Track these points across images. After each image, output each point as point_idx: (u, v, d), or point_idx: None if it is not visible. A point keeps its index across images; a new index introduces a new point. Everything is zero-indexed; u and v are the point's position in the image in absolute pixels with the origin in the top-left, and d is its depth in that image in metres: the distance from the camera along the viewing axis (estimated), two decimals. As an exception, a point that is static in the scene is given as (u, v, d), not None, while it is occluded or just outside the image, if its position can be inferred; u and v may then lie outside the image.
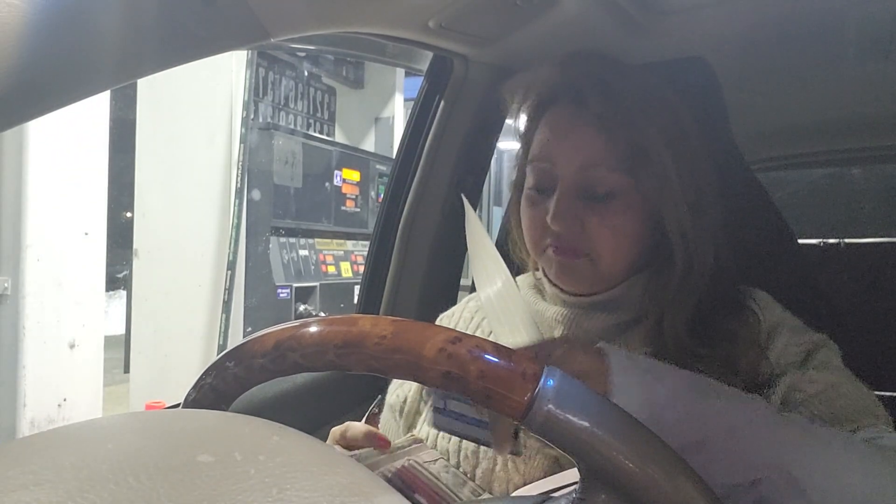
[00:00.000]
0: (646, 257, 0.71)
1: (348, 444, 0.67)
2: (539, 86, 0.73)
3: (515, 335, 0.75)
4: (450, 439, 0.72)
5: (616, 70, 0.70)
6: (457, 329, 0.83)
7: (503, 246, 0.87)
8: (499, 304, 0.79)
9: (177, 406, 0.52)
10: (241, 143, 3.17)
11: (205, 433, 0.31)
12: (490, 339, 0.79)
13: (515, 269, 0.84)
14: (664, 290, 0.68)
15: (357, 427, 0.68)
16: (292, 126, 4.03)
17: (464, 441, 0.71)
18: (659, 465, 0.35)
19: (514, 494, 0.66)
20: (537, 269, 0.79)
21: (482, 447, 0.69)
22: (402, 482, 0.64)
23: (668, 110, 0.69)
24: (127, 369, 3.56)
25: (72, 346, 2.53)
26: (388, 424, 0.85)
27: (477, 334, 0.81)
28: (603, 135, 0.67)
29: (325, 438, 0.75)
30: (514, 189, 0.78)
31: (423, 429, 0.76)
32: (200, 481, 0.26)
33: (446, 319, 0.88)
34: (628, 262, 0.70)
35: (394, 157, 1.25)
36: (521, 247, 0.79)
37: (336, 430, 0.69)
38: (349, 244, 3.93)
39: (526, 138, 0.75)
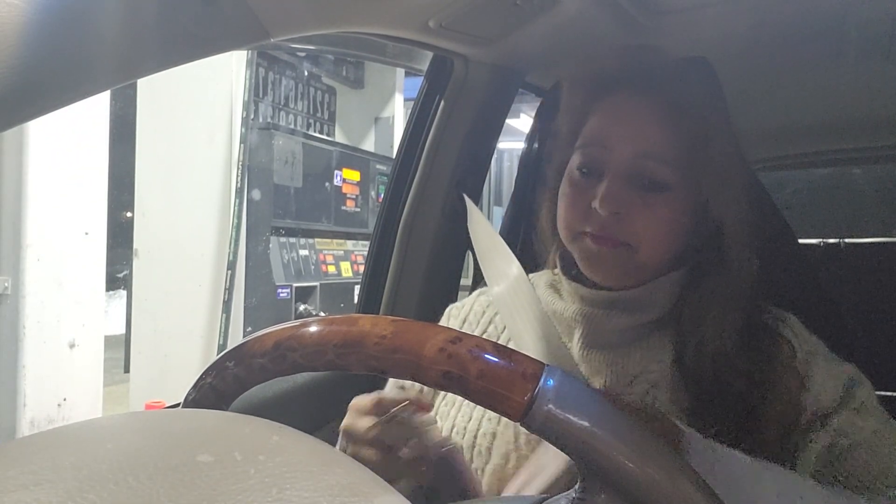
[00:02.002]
0: (681, 256, 0.70)
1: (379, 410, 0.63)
2: (602, 70, 0.72)
3: (530, 332, 0.74)
4: (464, 435, 0.72)
5: (678, 63, 0.71)
6: (467, 321, 0.83)
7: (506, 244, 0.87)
8: (512, 301, 0.78)
9: (177, 406, 0.52)
10: (241, 142, 3.17)
11: (204, 433, 0.31)
12: (504, 336, 0.79)
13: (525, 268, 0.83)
14: (709, 292, 0.67)
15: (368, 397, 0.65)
16: (292, 126, 4.04)
17: (478, 437, 0.71)
18: (659, 465, 0.35)
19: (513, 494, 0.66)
20: (555, 267, 0.78)
21: (495, 444, 0.70)
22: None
23: (725, 107, 0.70)
24: (127, 369, 3.57)
25: (72, 346, 2.53)
26: None
27: (490, 329, 0.80)
28: (666, 126, 0.66)
29: (325, 438, 0.74)
30: (551, 175, 0.76)
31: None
32: (200, 481, 0.26)
33: (455, 311, 0.86)
34: (666, 258, 0.69)
35: (394, 157, 1.25)
36: (548, 236, 0.78)
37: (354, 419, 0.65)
38: (349, 244, 3.93)
39: (574, 123, 0.73)
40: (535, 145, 1.15)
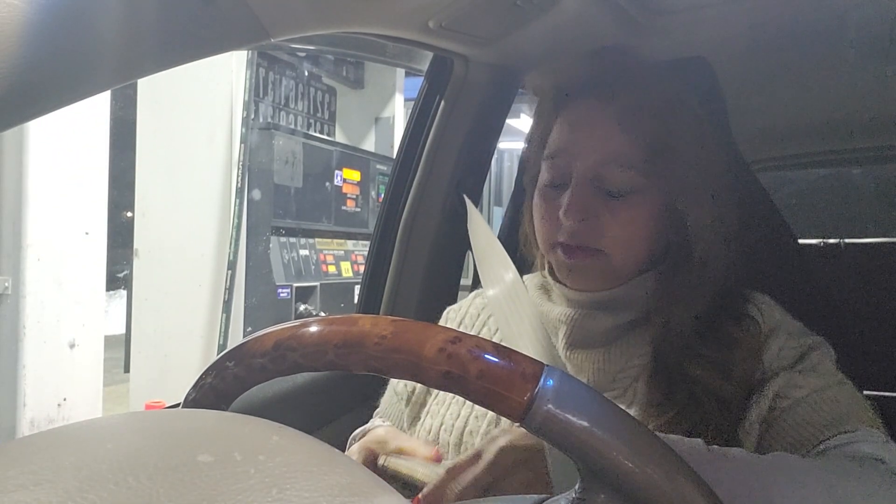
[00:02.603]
0: (657, 255, 0.71)
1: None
2: (564, 77, 0.73)
3: (524, 336, 0.75)
4: (451, 432, 0.73)
5: (642, 66, 0.71)
6: (463, 324, 0.83)
7: (506, 245, 0.87)
8: (507, 305, 0.79)
9: (177, 406, 0.52)
10: (241, 142, 3.17)
11: (204, 433, 0.31)
12: (496, 336, 0.79)
13: (521, 269, 0.84)
14: (676, 289, 0.68)
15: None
16: (292, 126, 4.03)
17: (464, 436, 0.72)
18: (658, 465, 0.35)
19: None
20: (545, 268, 0.79)
21: (479, 443, 0.70)
22: None
23: (690, 108, 0.69)
24: (127, 369, 3.57)
25: (72, 346, 2.53)
26: (392, 409, 0.85)
27: (484, 331, 0.81)
28: (624, 131, 0.66)
29: (325, 438, 0.74)
30: (527, 184, 0.78)
31: (427, 421, 0.77)
32: (200, 481, 0.26)
33: (453, 313, 0.88)
34: (639, 259, 0.70)
35: (394, 157, 1.25)
36: (532, 243, 0.79)
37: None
38: (349, 244, 3.93)
39: (542, 132, 0.74)
40: (535, 145, 1.15)
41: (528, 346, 0.74)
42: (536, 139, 0.75)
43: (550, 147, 0.71)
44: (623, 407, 0.66)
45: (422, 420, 0.78)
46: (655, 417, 0.63)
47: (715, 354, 0.65)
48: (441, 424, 0.74)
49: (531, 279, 0.82)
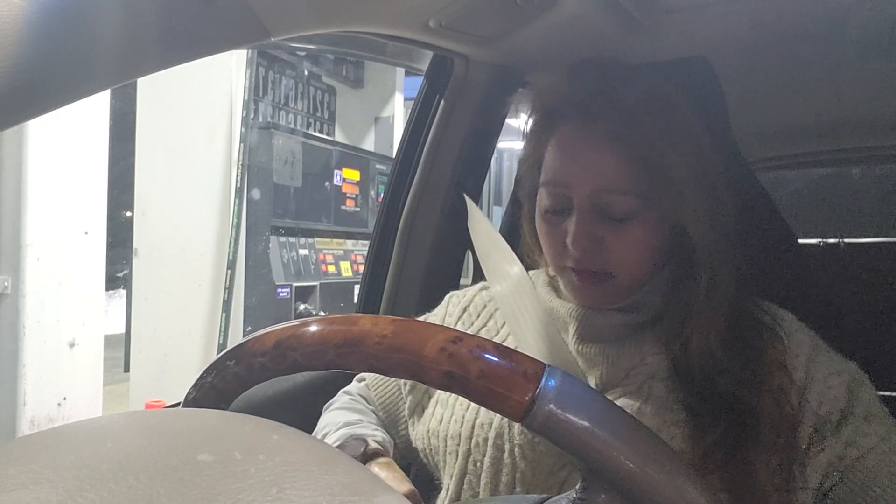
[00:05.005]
0: (663, 262, 0.71)
1: None
2: (547, 100, 0.72)
3: (532, 332, 0.75)
4: (462, 423, 0.72)
5: (623, 78, 0.69)
6: (467, 312, 0.83)
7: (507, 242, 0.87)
8: (514, 300, 0.79)
9: (177, 405, 0.52)
10: (241, 142, 3.17)
11: (205, 432, 0.31)
12: (503, 331, 0.79)
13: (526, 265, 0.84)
14: (689, 298, 0.67)
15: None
16: (292, 125, 4.04)
17: (475, 427, 0.71)
18: (659, 465, 0.35)
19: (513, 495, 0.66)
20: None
21: (491, 436, 0.70)
22: None
23: (678, 116, 0.68)
24: (127, 368, 3.57)
25: (72, 346, 2.53)
26: (390, 394, 0.85)
27: (490, 324, 0.81)
28: (615, 154, 0.66)
29: (324, 438, 0.75)
30: (523, 198, 0.78)
31: (437, 411, 0.77)
32: (200, 480, 0.26)
33: (456, 299, 0.87)
34: (648, 274, 0.70)
35: (393, 156, 1.25)
36: (535, 252, 0.79)
37: None
38: (349, 244, 3.93)
39: (536, 154, 0.74)
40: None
41: (536, 340, 0.74)
42: (530, 159, 0.75)
43: (547, 174, 0.71)
44: (638, 404, 0.66)
45: (431, 409, 0.78)
46: (698, 438, 0.62)
47: (740, 366, 0.64)
48: (451, 415, 0.74)
49: (538, 275, 0.82)
